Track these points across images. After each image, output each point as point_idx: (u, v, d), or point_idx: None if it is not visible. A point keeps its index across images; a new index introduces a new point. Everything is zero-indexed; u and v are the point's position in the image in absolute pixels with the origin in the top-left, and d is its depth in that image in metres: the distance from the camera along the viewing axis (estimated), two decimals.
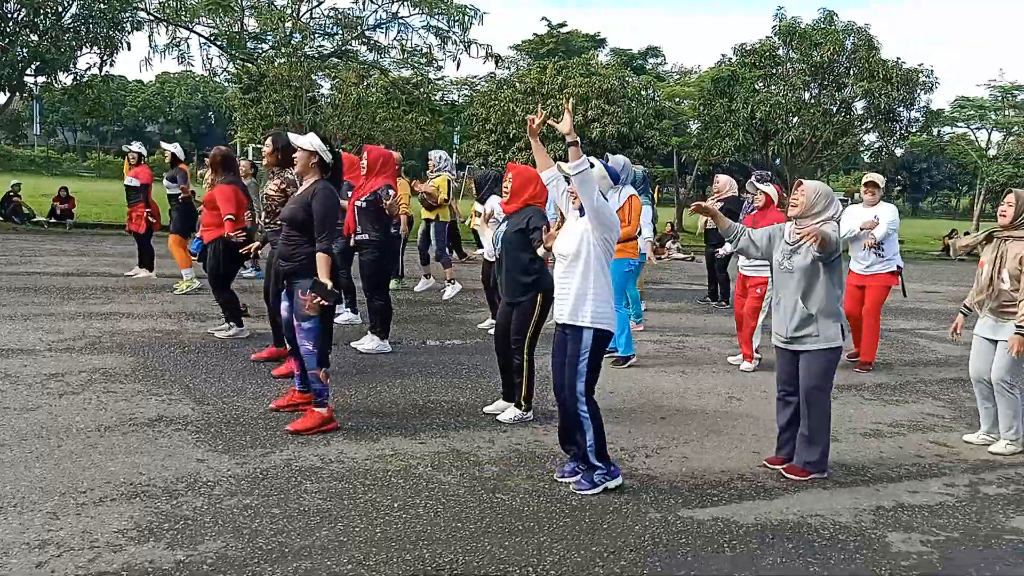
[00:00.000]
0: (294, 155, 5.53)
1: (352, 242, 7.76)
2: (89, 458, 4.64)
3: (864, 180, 8.54)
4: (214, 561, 3.56)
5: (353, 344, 7.81)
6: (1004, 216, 5.65)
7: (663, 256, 20.03)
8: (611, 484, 4.62)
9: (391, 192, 7.51)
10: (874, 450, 5.71)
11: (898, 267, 8.30)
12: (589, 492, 4.55)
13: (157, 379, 6.41)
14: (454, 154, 33.04)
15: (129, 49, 21.09)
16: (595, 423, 4.60)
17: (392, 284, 11.83)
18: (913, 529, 4.38)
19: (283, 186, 6.61)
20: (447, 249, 11.75)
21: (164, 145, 10.99)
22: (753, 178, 7.90)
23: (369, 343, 7.76)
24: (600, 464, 4.60)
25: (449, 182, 11.38)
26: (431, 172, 10.92)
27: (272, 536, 3.83)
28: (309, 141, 5.46)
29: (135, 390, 6.07)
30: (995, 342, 5.68)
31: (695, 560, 3.87)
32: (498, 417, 5.85)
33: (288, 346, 5.90)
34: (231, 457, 4.80)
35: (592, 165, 4.56)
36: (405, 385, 6.67)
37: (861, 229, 8.02)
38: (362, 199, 7.57)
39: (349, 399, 6.13)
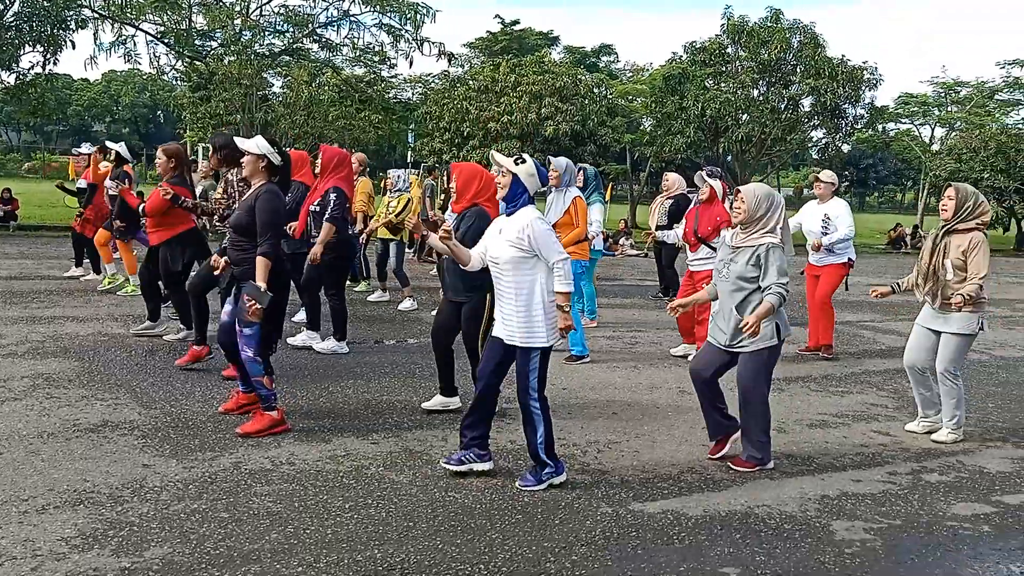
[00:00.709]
0: (241, 157, 5.45)
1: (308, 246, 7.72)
2: (32, 465, 4.55)
3: (816, 177, 8.74)
4: (160, 568, 3.51)
5: (314, 345, 7.75)
6: (945, 210, 5.79)
7: (616, 252, 20.20)
8: (556, 480, 4.66)
9: (332, 197, 7.45)
10: (820, 440, 5.82)
11: (849, 259, 8.51)
12: (536, 488, 4.58)
13: (102, 383, 6.30)
14: (409, 152, 32.88)
15: (73, 47, 20.70)
16: (546, 419, 4.62)
17: (361, 287, 11.80)
18: (857, 517, 4.48)
19: (226, 188, 6.55)
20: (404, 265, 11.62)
21: (109, 144, 10.79)
22: (703, 172, 7.99)
23: (325, 344, 7.73)
24: (549, 461, 4.63)
25: (410, 200, 11.27)
26: (391, 191, 10.81)
27: (220, 541, 3.79)
28: (256, 144, 5.38)
29: (79, 395, 5.96)
30: (939, 334, 5.81)
31: (645, 553, 3.92)
32: (423, 406, 5.96)
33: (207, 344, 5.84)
34: (178, 461, 4.74)
35: (524, 161, 4.59)
36: (359, 385, 6.64)
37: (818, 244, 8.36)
38: (316, 203, 7.52)
39: (301, 400, 6.08)
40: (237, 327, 5.28)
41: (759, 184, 5.23)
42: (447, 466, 4.75)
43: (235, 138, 5.86)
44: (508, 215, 4.64)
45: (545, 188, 5.73)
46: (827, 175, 8.69)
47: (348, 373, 7.00)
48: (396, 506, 4.29)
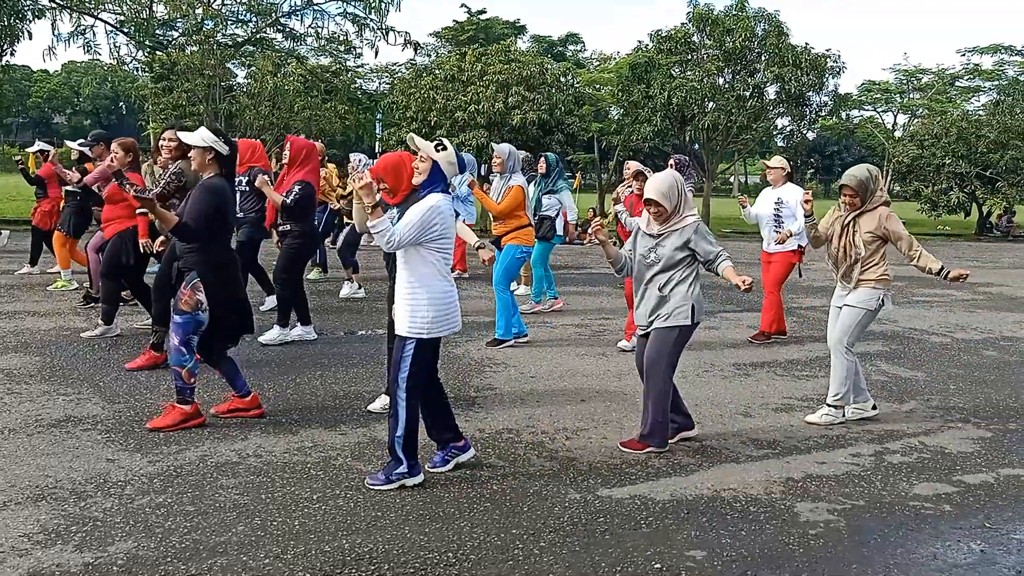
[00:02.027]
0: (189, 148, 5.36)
1: (275, 234, 7.68)
2: None
3: (767, 164, 8.77)
4: (124, 562, 3.48)
5: (259, 338, 7.62)
6: (852, 207, 5.77)
7: (585, 241, 20.24)
8: (408, 481, 4.42)
9: (296, 188, 7.47)
10: (785, 424, 5.89)
11: (800, 247, 8.56)
12: (382, 487, 4.39)
13: (64, 378, 6.21)
14: (377, 143, 32.69)
15: (31, 38, 20.29)
16: (410, 414, 4.42)
17: (314, 275, 11.71)
18: (821, 499, 4.55)
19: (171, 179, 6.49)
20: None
21: (68, 144, 10.56)
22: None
23: (271, 334, 7.64)
24: (403, 458, 4.43)
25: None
26: (350, 176, 10.76)
27: (186, 534, 3.76)
28: (201, 137, 5.26)
29: (41, 390, 5.87)
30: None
31: (613, 538, 3.95)
32: (368, 407, 5.76)
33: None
34: (143, 455, 4.69)
35: (445, 148, 4.47)
36: (326, 376, 6.60)
37: (780, 234, 8.29)
38: (284, 194, 7.53)
39: (268, 392, 6.04)
40: (172, 314, 5.21)
41: (662, 176, 5.14)
42: (435, 470, 4.64)
43: (179, 133, 5.75)
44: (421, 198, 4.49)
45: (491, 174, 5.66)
46: (776, 160, 8.72)
47: (316, 364, 6.96)
48: (364, 496, 4.28)
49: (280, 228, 7.78)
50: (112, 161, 7.05)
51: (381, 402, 5.76)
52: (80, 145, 9.96)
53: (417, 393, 4.45)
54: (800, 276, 9.11)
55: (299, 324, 7.83)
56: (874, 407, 6.09)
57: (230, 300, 5.32)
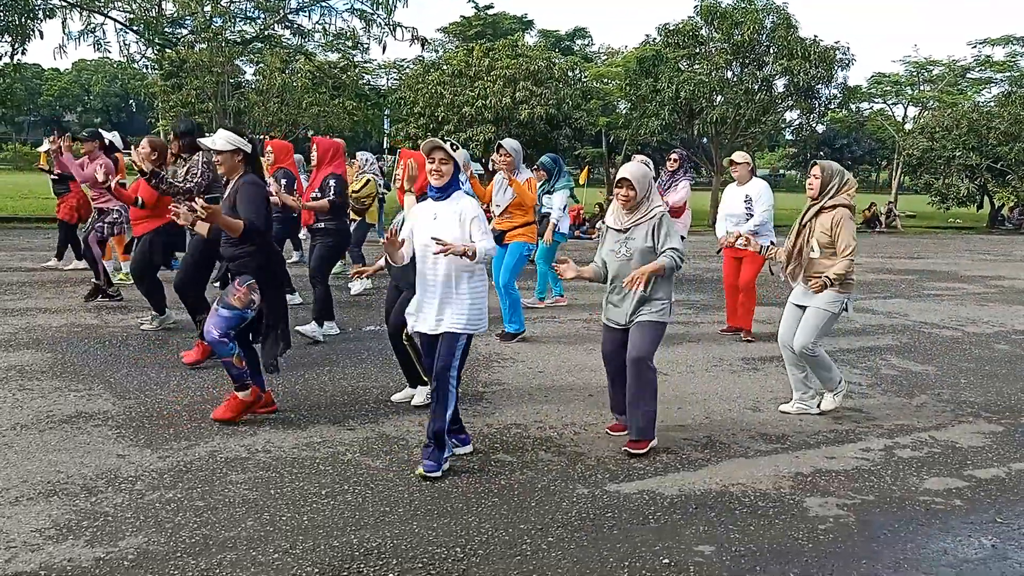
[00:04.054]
0: (199, 142, 5.36)
1: (308, 231, 7.83)
2: (4, 457, 4.51)
3: (730, 160, 8.54)
4: (135, 557, 3.50)
5: (297, 328, 7.73)
6: (812, 188, 5.78)
7: (593, 236, 20.23)
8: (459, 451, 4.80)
9: (332, 182, 7.55)
10: (793, 418, 5.87)
11: (772, 243, 8.30)
12: (438, 474, 4.50)
13: (76, 374, 6.24)
14: (384, 138, 32.72)
15: (42, 37, 20.38)
16: (455, 405, 4.60)
17: (337, 267, 11.78)
18: (830, 494, 4.54)
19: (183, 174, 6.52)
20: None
21: (103, 133, 10.56)
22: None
23: (309, 327, 7.77)
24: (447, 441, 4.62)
25: (369, 181, 11.24)
26: (356, 174, 10.79)
27: (196, 529, 3.78)
28: (225, 140, 5.18)
29: (53, 387, 5.90)
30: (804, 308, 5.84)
31: (621, 533, 3.95)
32: (412, 403, 5.79)
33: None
34: (153, 451, 4.71)
35: (457, 147, 4.55)
36: (334, 372, 6.62)
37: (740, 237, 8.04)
38: (316, 191, 7.67)
39: (277, 387, 6.05)
40: (214, 305, 5.24)
41: (635, 164, 5.17)
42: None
43: (199, 139, 5.74)
44: (439, 199, 4.55)
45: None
46: (740, 156, 8.45)
47: (324, 360, 6.98)
48: (372, 491, 4.29)
49: (315, 226, 7.83)
50: (145, 160, 7.09)
51: (407, 395, 5.85)
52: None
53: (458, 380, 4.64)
54: (771, 273, 9.00)
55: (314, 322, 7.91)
56: (819, 405, 6.03)
57: (279, 305, 5.35)
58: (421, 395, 5.79)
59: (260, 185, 5.27)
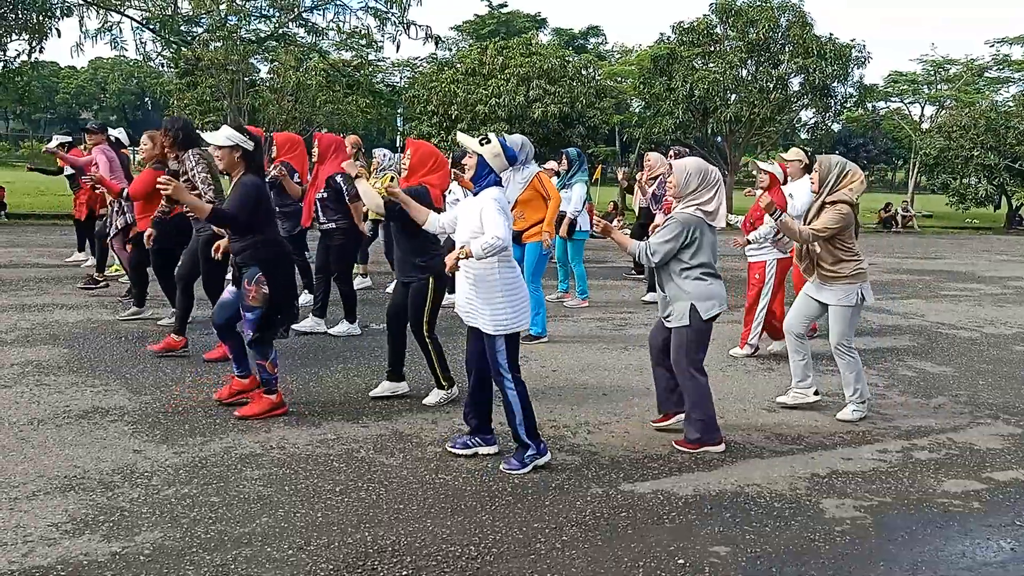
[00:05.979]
0: (193, 142, 5.38)
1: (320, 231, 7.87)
2: (22, 452, 4.53)
3: (783, 156, 8.19)
4: (151, 552, 3.51)
5: (330, 331, 7.87)
6: (812, 183, 5.80)
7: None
8: (540, 462, 4.65)
9: (344, 177, 7.52)
10: (810, 419, 5.84)
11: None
12: (519, 472, 4.56)
13: (92, 370, 6.28)
14: (398, 136, 32.76)
15: (59, 35, 20.53)
16: (522, 401, 4.59)
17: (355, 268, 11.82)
18: (847, 495, 4.50)
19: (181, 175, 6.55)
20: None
21: (110, 130, 10.67)
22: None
23: (339, 327, 7.87)
24: (530, 442, 4.62)
25: (393, 179, 11.27)
26: (375, 171, 10.80)
27: (211, 525, 3.79)
28: (226, 136, 5.19)
29: (69, 382, 5.93)
30: (825, 305, 5.82)
31: (636, 533, 3.93)
32: (424, 402, 5.78)
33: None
34: (169, 447, 4.73)
35: (489, 141, 4.56)
36: (348, 369, 6.63)
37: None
38: (323, 191, 7.64)
39: (291, 384, 6.06)
40: (242, 312, 5.28)
41: (692, 159, 5.12)
42: (452, 450, 4.79)
43: (202, 134, 5.75)
44: (475, 195, 4.61)
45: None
46: (792, 153, 8.10)
47: (338, 357, 6.99)
48: (387, 489, 4.29)
49: (323, 226, 7.79)
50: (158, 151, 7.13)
51: (385, 390, 5.88)
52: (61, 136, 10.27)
53: (519, 376, 4.61)
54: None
55: (311, 315, 7.97)
56: (816, 392, 6.07)
57: (288, 291, 5.39)
58: (434, 397, 5.81)
59: (257, 186, 5.24)
